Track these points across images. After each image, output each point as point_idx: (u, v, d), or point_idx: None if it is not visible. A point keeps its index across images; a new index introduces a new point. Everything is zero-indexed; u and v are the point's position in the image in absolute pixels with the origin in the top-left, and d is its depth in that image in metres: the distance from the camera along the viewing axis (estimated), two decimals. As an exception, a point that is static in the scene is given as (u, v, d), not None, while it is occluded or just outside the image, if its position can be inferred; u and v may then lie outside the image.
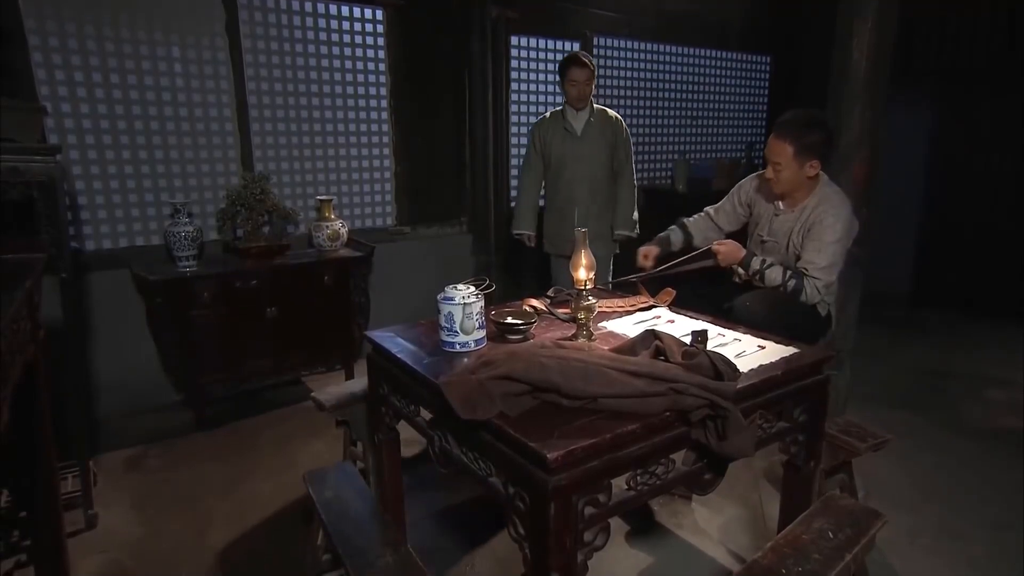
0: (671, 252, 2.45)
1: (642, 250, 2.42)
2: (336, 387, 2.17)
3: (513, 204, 3.69)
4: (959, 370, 3.73)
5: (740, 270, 2.21)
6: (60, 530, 1.76)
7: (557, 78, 3.33)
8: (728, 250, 2.19)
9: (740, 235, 2.46)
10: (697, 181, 4.97)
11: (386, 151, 3.85)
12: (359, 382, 2.07)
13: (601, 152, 3.34)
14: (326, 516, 1.58)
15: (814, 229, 2.11)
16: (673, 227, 2.56)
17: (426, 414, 1.55)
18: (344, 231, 3.34)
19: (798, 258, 2.16)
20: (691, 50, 5.15)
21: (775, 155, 2.15)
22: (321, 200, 3.33)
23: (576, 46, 4.47)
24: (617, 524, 2.14)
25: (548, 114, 3.44)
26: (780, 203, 2.27)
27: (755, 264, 2.16)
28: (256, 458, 2.71)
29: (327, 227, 3.27)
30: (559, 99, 4.48)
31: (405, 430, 1.73)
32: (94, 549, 2.09)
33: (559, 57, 4.42)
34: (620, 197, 3.44)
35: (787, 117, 2.17)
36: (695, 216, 2.58)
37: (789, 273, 2.11)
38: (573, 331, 1.68)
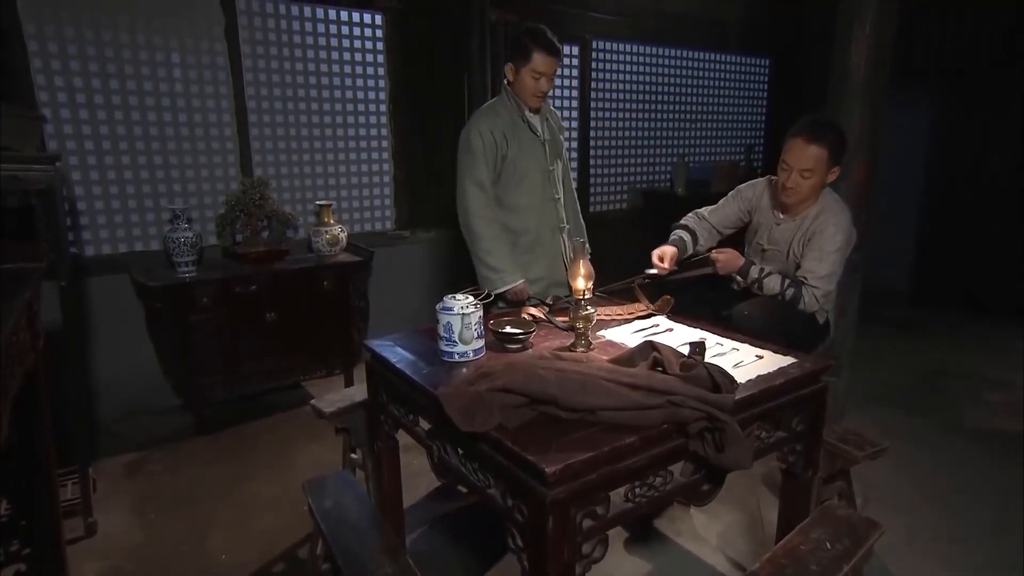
0: (686, 256, 2.32)
1: (657, 252, 2.22)
2: (336, 394, 2.17)
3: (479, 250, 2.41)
4: (959, 371, 3.74)
5: (739, 278, 2.21)
6: (60, 538, 1.76)
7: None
8: (727, 258, 2.19)
9: (737, 241, 2.45)
10: (696, 183, 4.99)
11: (385, 155, 3.85)
12: (359, 389, 2.07)
13: (559, 159, 2.59)
14: (325, 525, 1.58)
15: (815, 239, 2.10)
16: (678, 231, 2.38)
17: (425, 423, 1.55)
18: (343, 236, 3.34)
19: (798, 266, 2.16)
20: (690, 52, 5.15)
21: (807, 161, 2.04)
22: (320, 205, 3.33)
23: (575, 49, 4.47)
24: (616, 531, 2.14)
25: (490, 106, 2.45)
26: (780, 213, 2.24)
27: (753, 273, 2.16)
28: (256, 462, 2.72)
29: (326, 232, 3.27)
30: (557, 102, 4.50)
31: (405, 436, 1.73)
32: (94, 556, 2.10)
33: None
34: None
35: (812, 122, 2.08)
36: (688, 219, 2.44)
37: (788, 282, 2.11)
38: (572, 340, 1.68)
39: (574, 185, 2.78)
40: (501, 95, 2.46)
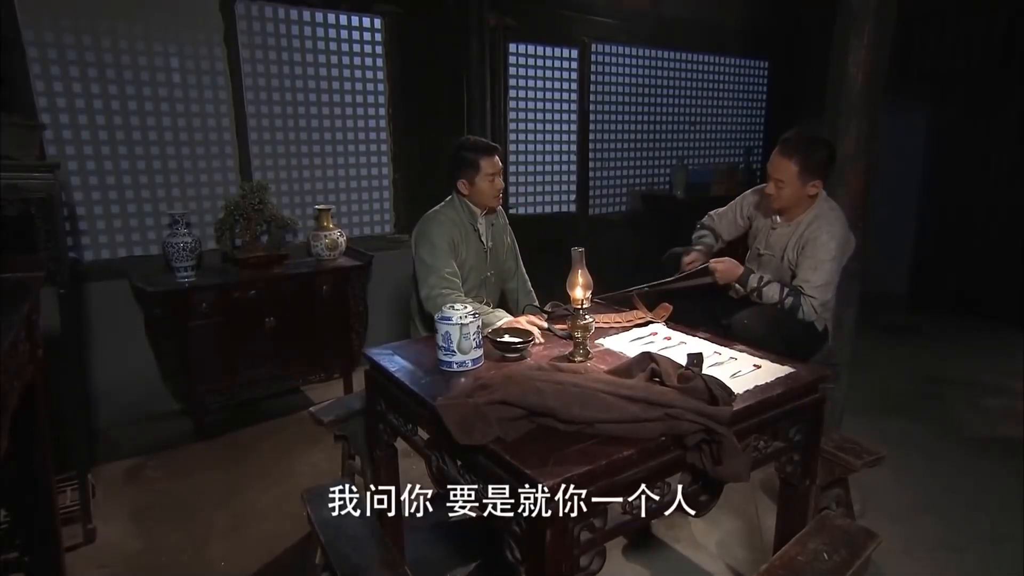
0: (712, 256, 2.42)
1: (687, 259, 2.36)
2: (334, 401, 2.17)
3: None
4: (956, 377, 3.73)
5: (738, 287, 2.22)
6: (59, 546, 1.76)
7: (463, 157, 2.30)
8: (726, 268, 2.20)
9: (739, 251, 2.46)
10: (695, 186, 4.99)
11: (384, 159, 3.85)
12: (358, 397, 2.07)
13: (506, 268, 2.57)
14: (324, 535, 1.58)
15: (808, 246, 2.12)
16: (702, 231, 2.52)
17: (424, 432, 1.55)
18: (342, 240, 3.34)
19: (793, 274, 2.17)
20: (689, 55, 5.16)
21: (778, 172, 2.14)
22: (320, 209, 3.33)
23: (574, 53, 4.48)
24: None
25: (444, 210, 2.35)
26: (777, 217, 2.27)
27: (752, 282, 2.16)
28: (255, 468, 2.72)
29: (325, 236, 3.27)
30: (556, 105, 4.51)
31: (403, 442, 1.73)
32: (93, 563, 2.10)
33: (558, 64, 4.43)
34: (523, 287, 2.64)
35: (791, 135, 2.16)
36: (706, 220, 2.56)
37: (786, 291, 2.11)
38: (570, 348, 1.68)
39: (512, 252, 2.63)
40: (452, 202, 2.37)
